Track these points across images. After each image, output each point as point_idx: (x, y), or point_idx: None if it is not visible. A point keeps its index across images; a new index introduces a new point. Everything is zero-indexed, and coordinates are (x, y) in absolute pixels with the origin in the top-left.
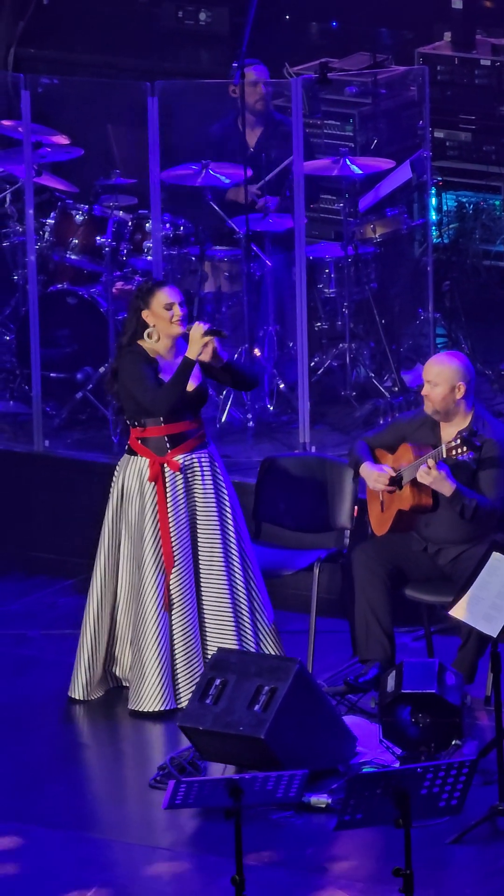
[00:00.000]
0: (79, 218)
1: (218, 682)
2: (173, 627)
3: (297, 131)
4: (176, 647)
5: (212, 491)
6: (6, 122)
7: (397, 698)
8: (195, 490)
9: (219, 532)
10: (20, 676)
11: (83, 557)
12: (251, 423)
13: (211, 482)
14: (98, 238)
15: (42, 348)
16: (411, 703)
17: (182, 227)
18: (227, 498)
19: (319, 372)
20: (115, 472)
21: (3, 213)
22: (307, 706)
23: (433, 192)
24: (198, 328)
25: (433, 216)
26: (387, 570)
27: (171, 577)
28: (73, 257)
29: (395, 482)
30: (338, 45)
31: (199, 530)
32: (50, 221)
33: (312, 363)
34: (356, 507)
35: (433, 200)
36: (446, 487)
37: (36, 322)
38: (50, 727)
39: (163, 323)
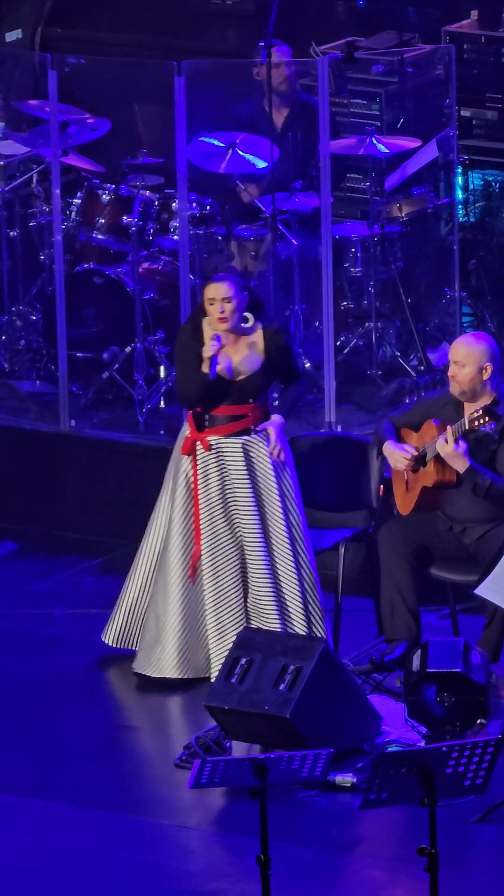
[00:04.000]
0: (105, 198)
1: (243, 661)
2: (205, 600)
3: (323, 110)
4: (208, 620)
5: (245, 477)
6: (33, 102)
7: (423, 677)
8: (230, 472)
9: (255, 516)
10: (46, 656)
11: (109, 537)
12: (277, 403)
13: (244, 468)
14: (124, 217)
15: (68, 328)
16: (437, 682)
17: (208, 207)
18: (272, 484)
19: (345, 351)
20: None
21: (29, 192)
22: (332, 685)
23: (459, 170)
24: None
25: (459, 195)
26: (412, 549)
27: (203, 550)
28: (99, 237)
29: (419, 461)
30: (364, 24)
31: (235, 513)
32: (76, 201)
33: (338, 342)
34: (382, 487)
35: (459, 179)
36: (460, 463)
37: (62, 302)
38: (76, 706)
39: (209, 315)
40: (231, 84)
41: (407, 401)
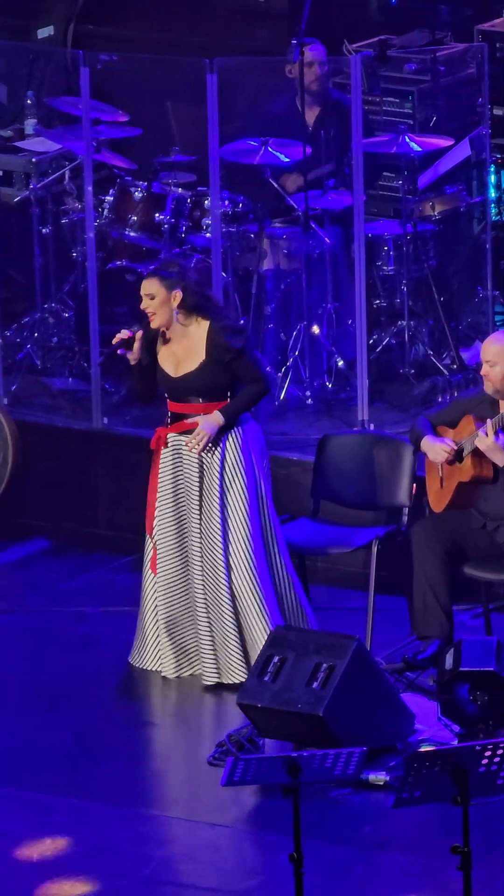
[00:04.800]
0: (138, 195)
1: (276, 659)
2: (157, 595)
3: (356, 108)
4: (159, 615)
5: (195, 476)
6: (65, 99)
7: (455, 676)
8: (183, 470)
9: (217, 515)
10: (78, 653)
11: (141, 534)
12: (310, 401)
13: (195, 466)
14: (157, 215)
15: (101, 325)
16: (469, 681)
17: (241, 205)
18: (231, 484)
19: (378, 349)
20: None
21: (62, 189)
22: (365, 683)
23: (492, 169)
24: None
25: (492, 193)
26: (445, 547)
27: (157, 545)
28: (131, 234)
29: (457, 455)
30: (397, 22)
31: (186, 510)
32: (109, 198)
33: (371, 340)
34: (414, 485)
35: (492, 178)
36: (499, 456)
37: (95, 299)
38: (108, 705)
39: None
40: (263, 82)
41: (439, 399)
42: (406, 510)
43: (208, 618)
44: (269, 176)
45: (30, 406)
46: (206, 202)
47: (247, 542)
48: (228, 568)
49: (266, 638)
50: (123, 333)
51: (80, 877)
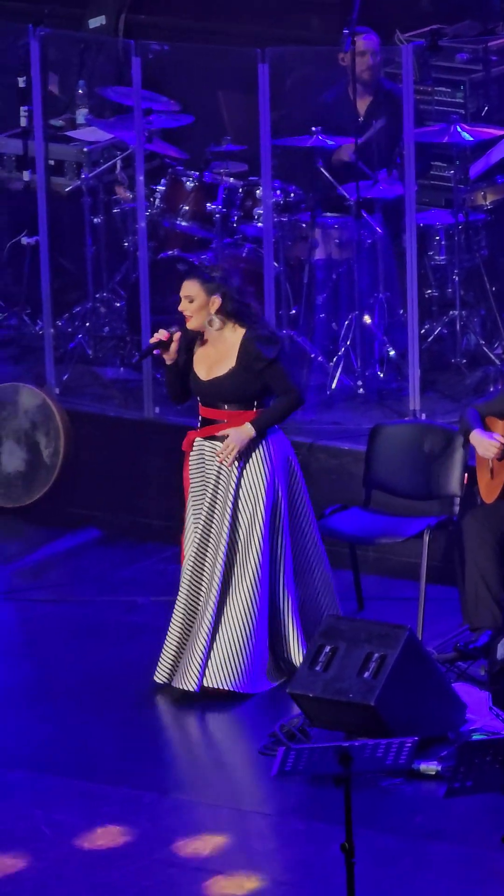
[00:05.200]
0: (189, 184)
1: (328, 649)
2: (179, 601)
3: (407, 98)
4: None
5: (212, 482)
6: (117, 89)
7: None
8: (207, 475)
9: (226, 529)
10: (130, 643)
11: None
12: (361, 391)
13: (213, 474)
14: (208, 204)
15: (152, 315)
16: None
17: (293, 194)
18: (247, 497)
19: (429, 339)
20: None
21: (113, 179)
22: (417, 673)
23: None
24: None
25: None
26: (496, 537)
27: (186, 545)
28: (183, 224)
29: None
30: (449, 12)
31: (212, 514)
32: (160, 188)
33: (422, 330)
34: (466, 474)
35: None
36: None
37: (146, 288)
38: (158, 694)
39: None
40: (315, 71)
41: (491, 389)
42: (458, 500)
43: (210, 624)
44: (321, 165)
45: (81, 396)
46: (257, 192)
47: (257, 554)
48: (226, 583)
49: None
50: (161, 334)
51: (130, 865)
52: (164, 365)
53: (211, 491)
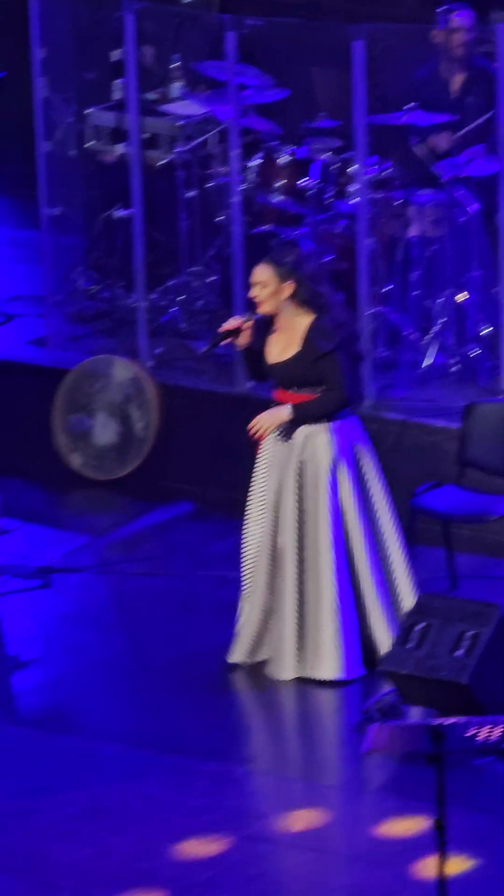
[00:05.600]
0: (283, 160)
1: (420, 626)
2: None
3: (501, 76)
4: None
5: (277, 467)
6: (211, 63)
7: None
8: (277, 459)
9: (293, 514)
10: (221, 618)
11: None
12: (455, 368)
13: (278, 458)
14: (302, 180)
15: (245, 290)
16: None
17: (387, 171)
18: (313, 485)
19: None
20: None
21: (207, 154)
22: None
23: None
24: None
25: None
26: None
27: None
28: (277, 199)
29: None
30: None
31: (280, 499)
32: (254, 163)
33: None
34: None
35: None
36: None
37: (240, 264)
38: (249, 669)
39: None
40: (408, 48)
41: None
42: None
43: (296, 612)
44: (415, 143)
45: (174, 369)
46: (352, 168)
47: (327, 539)
48: (299, 562)
49: (336, 643)
50: (231, 323)
51: (221, 839)
52: (238, 350)
53: (276, 477)
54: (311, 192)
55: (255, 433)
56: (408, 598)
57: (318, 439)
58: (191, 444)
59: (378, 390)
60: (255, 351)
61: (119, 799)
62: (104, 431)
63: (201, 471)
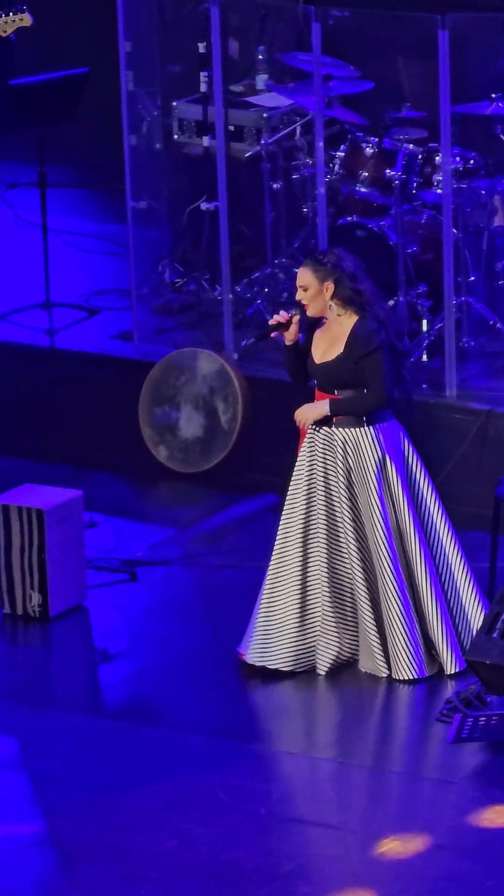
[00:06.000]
0: (369, 151)
1: None
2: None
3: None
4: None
5: (322, 470)
6: (297, 55)
7: None
8: (317, 460)
9: (347, 513)
10: None
11: None
12: None
13: (322, 462)
14: (388, 171)
15: None
16: None
17: (472, 161)
18: (359, 484)
19: None
20: None
21: (293, 145)
22: None
23: None
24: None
25: None
26: None
27: (280, 531)
28: (362, 190)
29: None
30: None
31: (316, 500)
32: (340, 154)
33: None
34: None
35: None
36: None
37: None
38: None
39: None
40: (495, 37)
41: None
42: None
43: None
44: (501, 132)
45: (259, 361)
46: (437, 158)
47: (384, 544)
48: (364, 569)
49: (405, 638)
50: (281, 316)
51: (305, 831)
52: (283, 346)
53: (322, 476)
54: (397, 182)
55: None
56: (465, 591)
57: (362, 444)
58: (276, 437)
59: (462, 380)
60: (300, 350)
61: (204, 790)
62: (189, 424)
63: (286, 463)
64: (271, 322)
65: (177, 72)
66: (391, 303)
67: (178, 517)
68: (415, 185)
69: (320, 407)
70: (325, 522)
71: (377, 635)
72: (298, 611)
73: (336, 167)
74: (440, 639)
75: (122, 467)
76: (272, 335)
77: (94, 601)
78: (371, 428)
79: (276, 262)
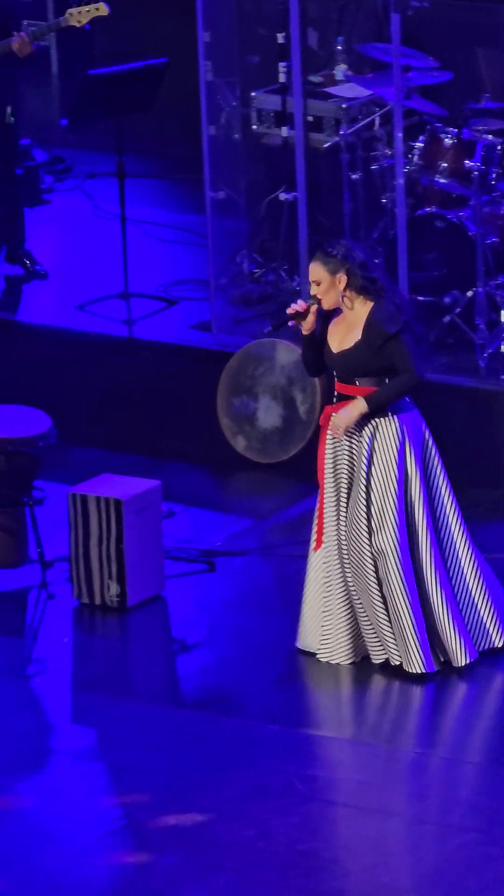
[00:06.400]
0: (447, 141)
1: None
2: (322, 574)
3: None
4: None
5: (345, 460)
6: (376, 45)
7: None
8: (342, 450)
9: (363, 503)
10: None
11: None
12: None
13: (346, 452)
14: (466, 162)
15: (410, 271)
16: None
17: None
18: (379, 474)
19: None
20: None
21: (371, 136)
22: None
23: None
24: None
25: None
26: None
27: (325, 524)
28: (441, 181)
29: None
30: None
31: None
32: (419, 145)
33: None
34: None
35: None
36: None
37: (404, 245)
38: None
39: None
40: None
41: None
42: None
43: (359, 603)
44: None
45: None
46: None
47: (393, 533)
48: (373, 556)
49: (413, 630)
50: (299, 305)
51: (384, 822)
52: (300, 336)
53: (345, 468)
54: (475, 173)
55: (335, 435)
56: (473, 584)
57: (385, 433)
58: None
59: None
60: (318, 341)
61: (281, 780)
62: (268, 415)
63: None
64: (289, 311)
65: (255, 62)
66: (469, 294)
67: (256, 507)
68: (494, 175)
69: (354, 409)
70: (344, 510)
71: (388, 625)
72: (349, 604)
73: (415, 158)
74: (449, 630)
75: (200, 457)
76: (289, 324)
77: (171, 591)
78: (395, 417)
79: None
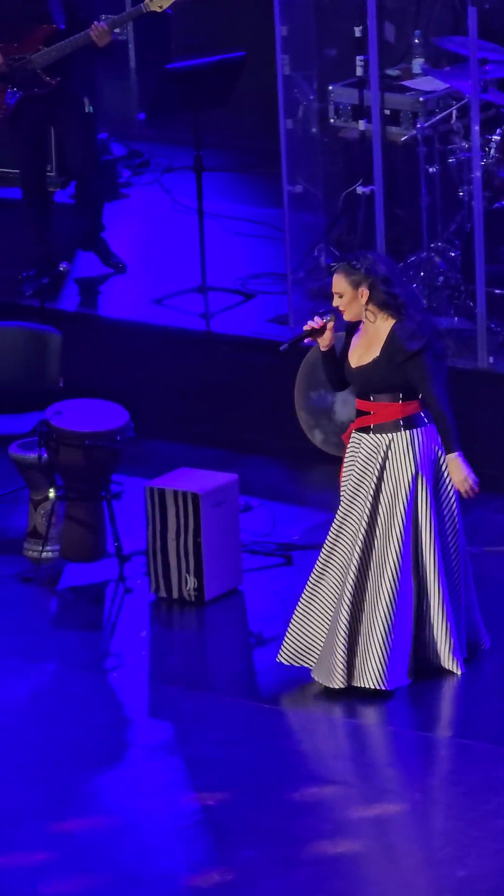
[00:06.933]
0: None
1: None
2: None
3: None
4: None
5: (363, 475)
6: (453, 38)
7: None
8: (357, 467)
9: (366, 518)
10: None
11: None
12: None
13: (361, 466)
14: None
15: (487, 264)
16: None
17: None
18: (389, 490)
19: None
20: None
21: (448, 129)
22: None
23: None
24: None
25: None
26: None
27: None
28: None
29: None
30: None
31: (354, 508)
32: (496, 138)
33: None
34: None
35: None
36: None
37: (481, 238)
38: (493, 642)
39: None
40: None
41: None
42: None
43: (347, 619)
44: None
45: None
46: None
47: (397, 553)
48: (363, 577)
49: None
50: (315, 321)
51: (464, 815)
52: (320, 352)
53: (357, 483)
54: None
55: (467, 493)
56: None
57: (400, 449)
58: None
59: None
60: (336, 357)
61: (360, 774)
62: (345, 408)
63: None
64: (305, 328)
65: (333, 56)
66: None
67: (333, 501)
68: None
69: (455, 462)
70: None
71: (344, 641)
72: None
73: (492, 151)
74: (446, 653)
75: (277, 451)
76: (306, 341)
77: (249, 585)
78: (408, 432)
79: (431, 245)
